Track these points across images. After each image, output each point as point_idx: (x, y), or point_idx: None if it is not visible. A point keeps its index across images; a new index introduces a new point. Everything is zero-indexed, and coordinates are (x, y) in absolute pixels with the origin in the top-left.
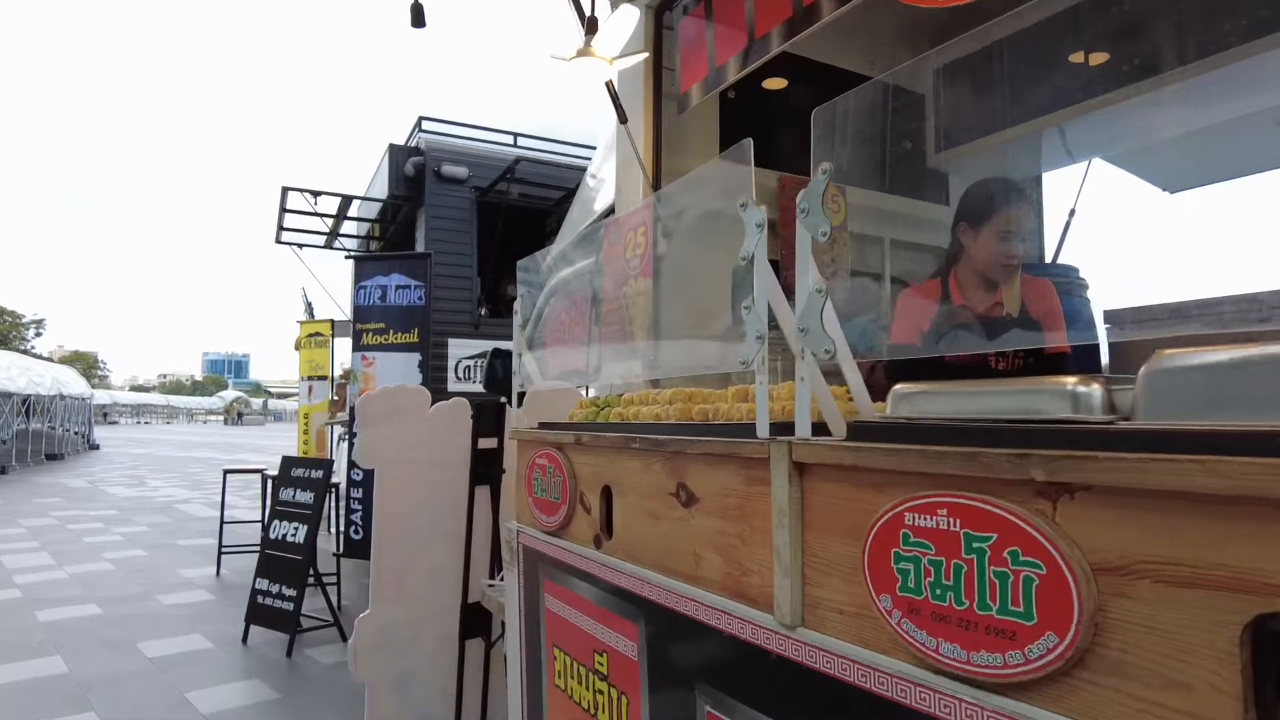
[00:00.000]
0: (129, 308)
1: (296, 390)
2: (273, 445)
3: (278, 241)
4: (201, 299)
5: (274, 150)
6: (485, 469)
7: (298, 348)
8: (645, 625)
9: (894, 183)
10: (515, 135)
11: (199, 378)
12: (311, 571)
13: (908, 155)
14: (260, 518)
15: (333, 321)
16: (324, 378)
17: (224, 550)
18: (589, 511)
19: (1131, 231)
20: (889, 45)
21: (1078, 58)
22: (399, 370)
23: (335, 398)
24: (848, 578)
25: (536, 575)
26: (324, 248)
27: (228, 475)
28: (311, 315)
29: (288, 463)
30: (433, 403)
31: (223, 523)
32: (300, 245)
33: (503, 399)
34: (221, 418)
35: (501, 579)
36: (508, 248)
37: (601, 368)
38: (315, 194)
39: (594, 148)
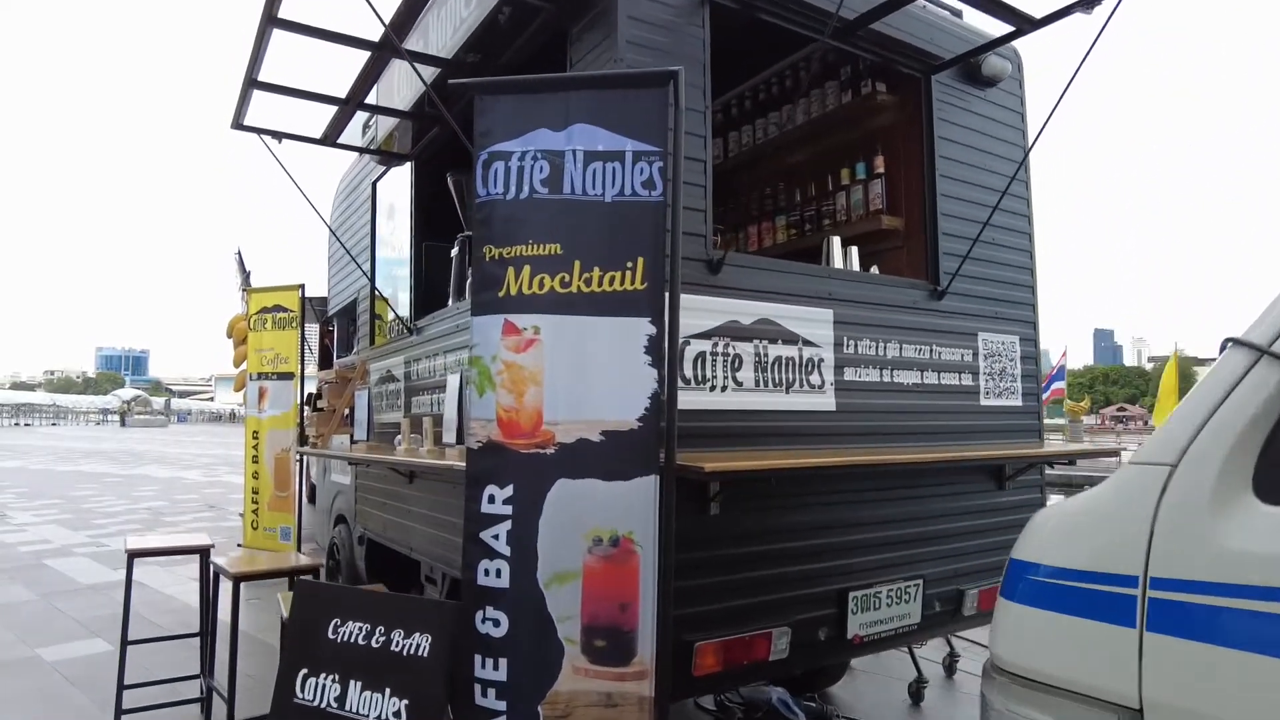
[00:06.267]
0: (10, 296)
1: (200, 388)
2: (183, 456)
3: (236, 125)
4: (97, 287)
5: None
6: None
7: (236, 334)
8: None
9: None
10: None
11: (92, 374)
12: None
13: None
14: (202, 607)
15: (302, 289)
16: (289, 375)
17: (126, 709)
18: None
19: None
20: None
21: None
22: (600, 354)
23: (323, 405)
24: None
25: None
26: (321, 142)
27: (135, 561)
28: (248, 284)
29: (307, 600)
30: None
31: (125, 644)
32: (278, 135)
33: None
34: (118, 418)
35: None
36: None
37: None
38: None
39: None
